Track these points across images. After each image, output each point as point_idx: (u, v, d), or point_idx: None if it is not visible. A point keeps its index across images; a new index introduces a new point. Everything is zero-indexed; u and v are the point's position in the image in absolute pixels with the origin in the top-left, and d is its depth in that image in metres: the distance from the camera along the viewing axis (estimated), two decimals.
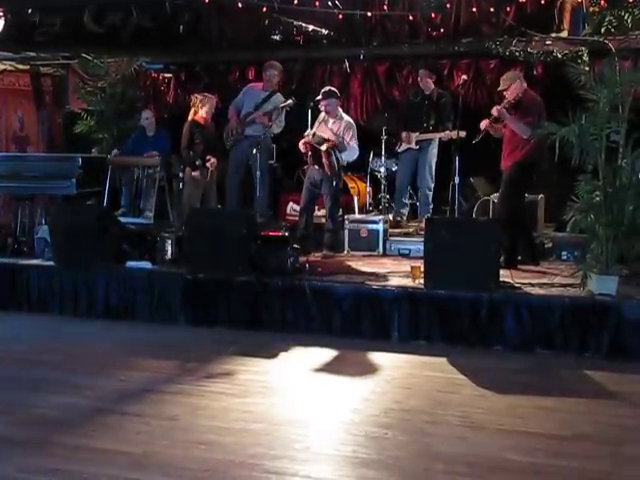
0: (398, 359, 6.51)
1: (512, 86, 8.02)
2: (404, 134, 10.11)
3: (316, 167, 9.02)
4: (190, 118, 9.79)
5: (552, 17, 9.65)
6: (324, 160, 8.83)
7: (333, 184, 8.93)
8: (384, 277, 7.69)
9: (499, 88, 8.28)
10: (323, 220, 9.42)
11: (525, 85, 8.10)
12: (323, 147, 8.82)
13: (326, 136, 8.97)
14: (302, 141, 9.09)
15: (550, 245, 8.86)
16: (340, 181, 9.24)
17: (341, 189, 9.42)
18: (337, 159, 8.91)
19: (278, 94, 9.87)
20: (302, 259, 8.03)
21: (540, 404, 5.32)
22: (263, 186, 9.37)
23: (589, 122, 6.74)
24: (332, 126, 9.10)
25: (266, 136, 9.52)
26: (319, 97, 9.15)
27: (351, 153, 9.09)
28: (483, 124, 8.21)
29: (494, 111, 8.06)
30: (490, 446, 4.55)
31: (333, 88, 9.34)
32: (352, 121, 9.31)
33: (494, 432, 4.79)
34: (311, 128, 9.33)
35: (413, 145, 10.11)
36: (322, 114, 9.20)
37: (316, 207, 9.64)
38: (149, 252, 8.39)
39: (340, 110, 9.28)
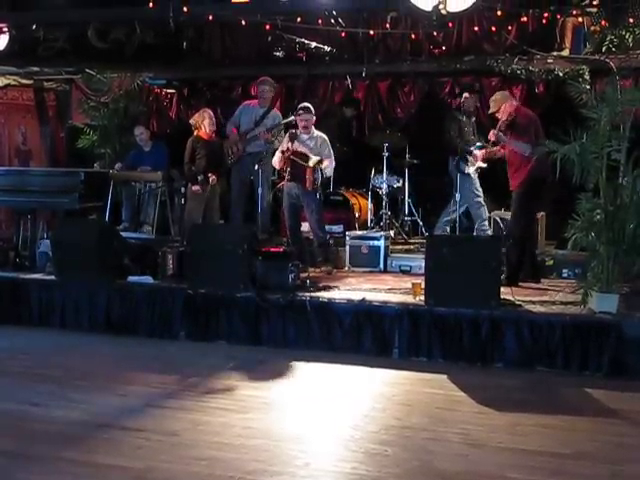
0: (398, 376, 6.51)
1: (502, 107, 8.07)
2: (478, 152, 9.45)
3: (294, 183, 9.02)
4: (195, 134, 9.83)
5: (554, 36, 9.72)
6: (307, 176, 8.80)
7: (316, 196, 8.92)
8: (385, 294, 7.69)
9: (490, 111, 8.33)
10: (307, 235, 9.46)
11: (515, 103, 8.14)
12: (310, 163, 8.82)
13: (306, 151, 8.94)
14: (281, 157, 9.02)
15: (551, 263, 8.85)
16: (321, 193, 9.20)
17: (323, 201, 9.35)
18: (320, 176, 8.90)
19: (275, 110, 9.94)
20: (303, 275, 8.04)
21: (540, 422, 5.32)
22: (264, 202, 9.42)
23: (590, 140, 6.77)
24: (308, 142, 9.08)
25: (267, 152, 9.55)
26: (299, 112, 9.10)
27: (330, 168, 9.07)
28: (485, 153, 8.30)
29: (491, 136, 8.11)
30: (490, 464, 4.55)
31: (309, 104, 9.28)
32: (325, 136, 9.21)
33: (494, 450, 4.79)
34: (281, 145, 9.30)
35: (483, 164, 9.63)
36: (289, 133, 9.13)
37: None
38: (150, 267, 8.40)
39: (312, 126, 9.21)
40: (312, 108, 9.19)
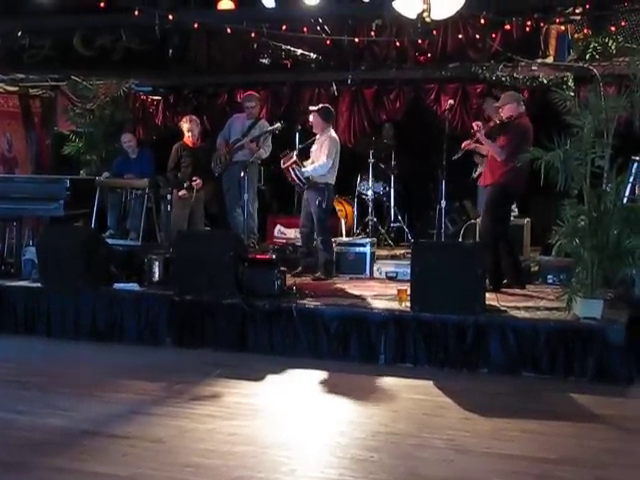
0: (384, 382, 6.52)
1: (508, 105, 8.04)
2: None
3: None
4: (182, 141, 9.87)
5: (538, 43, 9.79)
6: (289, 178, 8.92)
7: (316, 203, 8.86)
8: (371, 300, 7.70)
9: (496, 104, 8.36)
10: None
11: (522, 109, 8.10)
12: (283, 165, 8.89)
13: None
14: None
15: (536, 268, 8.90)
16: (325, 201, 8.92)
17: (327, 210, 9.07)
18: (297, 175, 8.85)
19: (263, 120, 10.03)
20: (289, 281, 8.05)
21: (525, 427, 5.33)
22: (250, 208, 9.44)
23: (574, 147, 6.80)
24: (315, 144, 9.10)
25: (253, 160, 9.58)
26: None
27: (318, 169, 8.88)
28: (465, 144, 8.30)
29: (474, 125, 8.13)
30: (476, 470, 4.56)
31: (326, 105, 9.26)
32: (330, 136, 9.01)
33: (480, 455, 4.80)
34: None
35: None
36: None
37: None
38: (137, 274, 8.38)
39: (328, 129, 9.07)
40: (321, 108, 9.09)
